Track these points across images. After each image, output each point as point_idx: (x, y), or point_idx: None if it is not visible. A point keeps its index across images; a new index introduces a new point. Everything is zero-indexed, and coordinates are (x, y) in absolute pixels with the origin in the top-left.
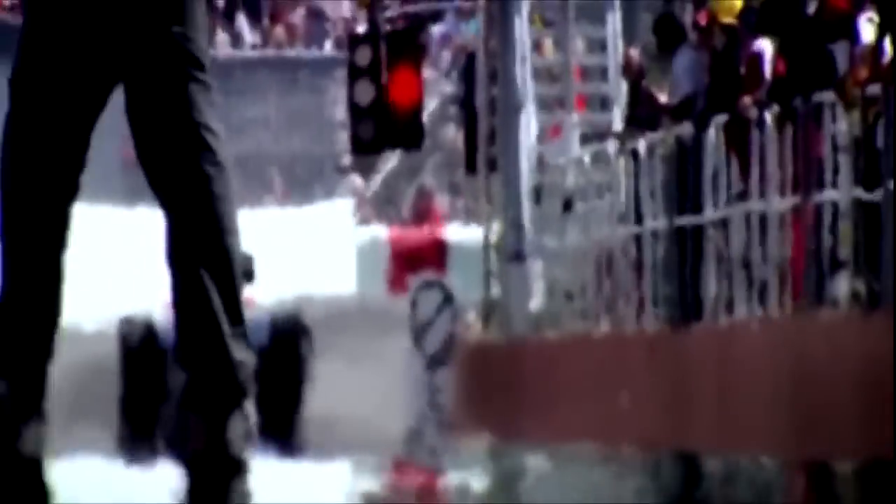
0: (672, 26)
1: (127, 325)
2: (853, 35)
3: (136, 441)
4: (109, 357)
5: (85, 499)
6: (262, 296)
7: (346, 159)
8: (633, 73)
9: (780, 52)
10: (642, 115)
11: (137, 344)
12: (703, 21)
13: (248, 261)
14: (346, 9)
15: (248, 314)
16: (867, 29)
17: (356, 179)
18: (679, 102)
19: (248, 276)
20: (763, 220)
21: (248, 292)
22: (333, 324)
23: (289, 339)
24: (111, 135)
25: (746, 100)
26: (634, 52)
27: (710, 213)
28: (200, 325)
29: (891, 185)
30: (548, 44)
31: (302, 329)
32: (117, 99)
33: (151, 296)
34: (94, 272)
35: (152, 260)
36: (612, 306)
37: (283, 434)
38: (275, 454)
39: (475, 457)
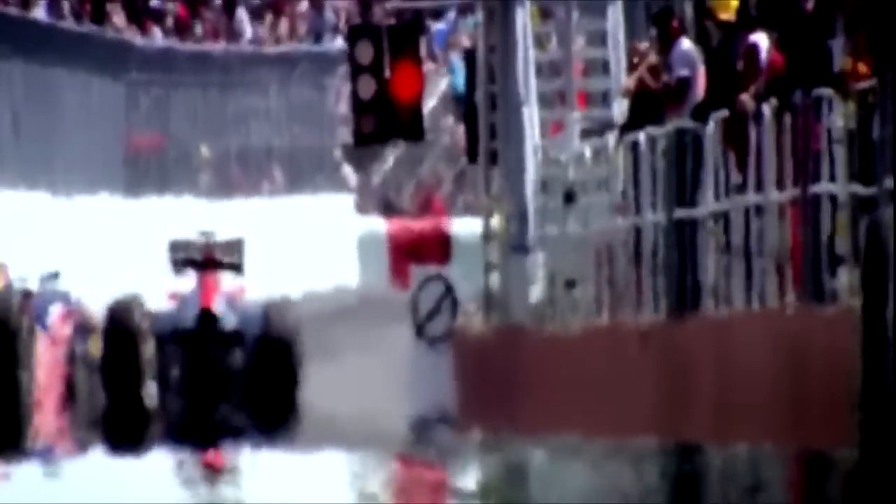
0: (670, 22)
1: (113, 305)
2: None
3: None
4: None
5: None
6: (260, 285)
7: (344, 152)
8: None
9: (777, 46)
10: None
11: (116, 323)
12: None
13: (238, 244)
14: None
15: (242, 303)
16: None
17: (351, 173)
18: (676, 83)
19: (237, 267)
20: (760, 211)
21: (241, 282)
22: (335, 316)
23: (282, 327)
24: (113, 128)
25: (745, 97)
26: (641, 46)
27: (709, 205)
28: None
29: (890, 179)
30: (549, 37)
31: (294, 318)
32: (118, 95)
33: (149, 282)
34: (95, 259)
35: (151, 248)
36: (612, 296)
37: (279, 421)
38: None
39: (475, 448)
